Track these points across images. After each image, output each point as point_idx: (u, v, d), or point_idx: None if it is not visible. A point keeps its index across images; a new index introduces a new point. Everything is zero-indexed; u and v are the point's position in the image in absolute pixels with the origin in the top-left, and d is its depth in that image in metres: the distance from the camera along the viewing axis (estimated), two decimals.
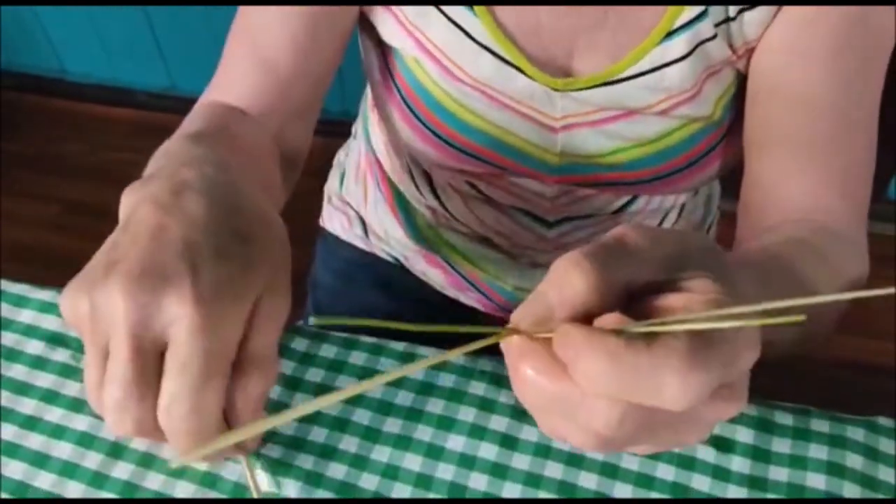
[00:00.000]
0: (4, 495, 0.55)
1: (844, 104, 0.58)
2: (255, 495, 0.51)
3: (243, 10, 0.64)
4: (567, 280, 0.33)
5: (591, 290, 0.33)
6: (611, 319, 0.33)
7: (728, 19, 0.59)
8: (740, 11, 0.58)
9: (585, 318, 0.34)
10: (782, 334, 0.48)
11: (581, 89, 0.62)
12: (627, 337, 0.32)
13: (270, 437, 0.57)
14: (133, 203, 0.44)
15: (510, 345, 0.35)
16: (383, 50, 0.67)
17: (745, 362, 0.33)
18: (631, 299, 0.34)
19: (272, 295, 0.43)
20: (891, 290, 0.30)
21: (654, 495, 0.53)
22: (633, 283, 0.34)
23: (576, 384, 0.32)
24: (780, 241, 0.54)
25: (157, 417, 0.41)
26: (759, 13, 0.58)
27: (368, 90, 0.80)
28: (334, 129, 1.15)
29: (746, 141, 0.63)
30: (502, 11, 0.61)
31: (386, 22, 0.64)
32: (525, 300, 0.35)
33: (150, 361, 0.40)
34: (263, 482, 0.54)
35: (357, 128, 0.91)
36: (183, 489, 0.55)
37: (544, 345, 0.34)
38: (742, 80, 0.63)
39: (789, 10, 0.57)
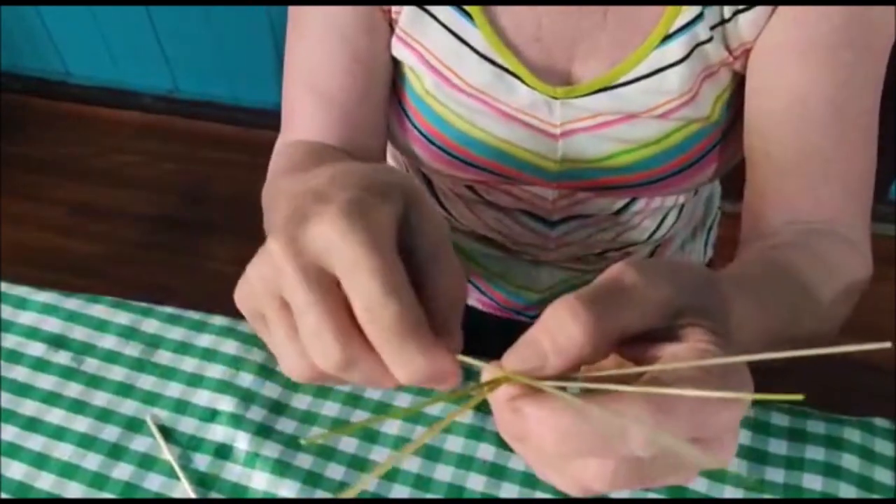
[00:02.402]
0: (5, 496, 0.56)
1: (842, 101, 0.58)
2: (185, 490, 0.51)
3: (292, 51, 0.67)
4: (562, 328, 0.33)
5: (587, 340, 0.33)
6: (609, 363, 0.33)
7: (723, 21, 0.59)
8: (735, 13, 0.58)
9: (579, 366, 0.34)
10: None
11: (581, 96, 0.63)
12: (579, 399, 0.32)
13: (269, 436, 0.57)
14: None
15: (500, 396, 0.34)
16: None
17: (724, 418, 0.32)
18: (625, 343, 0.34)
19: (417, 205, 0.40)
20: (886, 344, 0.29)
21: (652, 496, 0.53)
22: (629, 329, 0.34)
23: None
24: (778, 248, 0.55)
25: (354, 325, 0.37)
26: (754, 14, 0.58)
27: None
28: None
29: (746, 142, 0.63)
30: (502, 19, 0.61)
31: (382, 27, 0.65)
32: (516, 344, 0.34)
33: (324, 280, 0.37)
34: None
35: None
36: (182, 491, 0.55)
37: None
38: (739, 80, 0.63)
39: (785, 9, 0.57)
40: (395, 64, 0.67)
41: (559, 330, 0.33)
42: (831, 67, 0.58)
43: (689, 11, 0.59)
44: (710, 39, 0.59)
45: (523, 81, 0.63)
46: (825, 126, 0.58)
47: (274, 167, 0.65)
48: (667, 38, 0.59)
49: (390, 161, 0.82)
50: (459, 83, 0.64)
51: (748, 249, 0.59)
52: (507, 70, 0.62)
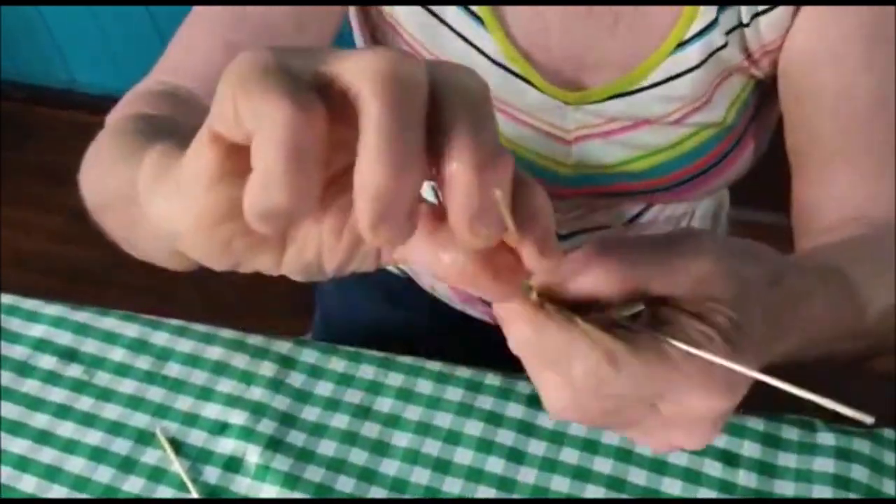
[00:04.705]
0: None
1: (885, 95, 0.58)
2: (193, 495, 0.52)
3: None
4: (592, 259, 0.34)
5: (607, 277, 0.33)
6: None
7: (740, 25, 0.59)
8: (754, 16, 0.58)
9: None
10: (843, 345, 0.48)
11: (594, 102, 0.63)
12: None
13: (279, 448, 0.57)
14: None
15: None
16: None
17: (695, 399, 0.32)
18: (652, 301, 0.34)
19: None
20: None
21: (663, 496, 0.53)
22: (652, 285, 0.34)
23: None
24: (835, 244, 0.54)
25: None
26: (775, 15, 0.58)
27: None
28: None
29: (790, 147, 0.62)
30: (513, 27, 0.61)
31: (386, 36, 0.64)
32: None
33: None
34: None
35: None
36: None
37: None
38: (757, 84, 0.63)
39: (810, 10, 0.57)
40: None
41: (588, 260, 0.33)
42: (870, 62, 0.57)
43: (704, 17, 0.58)
44: (724, 45, 0.59)
45: (535, 86, 0.62)
46: (872, 121, 0.58)
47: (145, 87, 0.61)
48: (681, 44, 0.59)
49: None
50: None
51: (801, 248, 0.59)
52: (518, 75, 0.62)
